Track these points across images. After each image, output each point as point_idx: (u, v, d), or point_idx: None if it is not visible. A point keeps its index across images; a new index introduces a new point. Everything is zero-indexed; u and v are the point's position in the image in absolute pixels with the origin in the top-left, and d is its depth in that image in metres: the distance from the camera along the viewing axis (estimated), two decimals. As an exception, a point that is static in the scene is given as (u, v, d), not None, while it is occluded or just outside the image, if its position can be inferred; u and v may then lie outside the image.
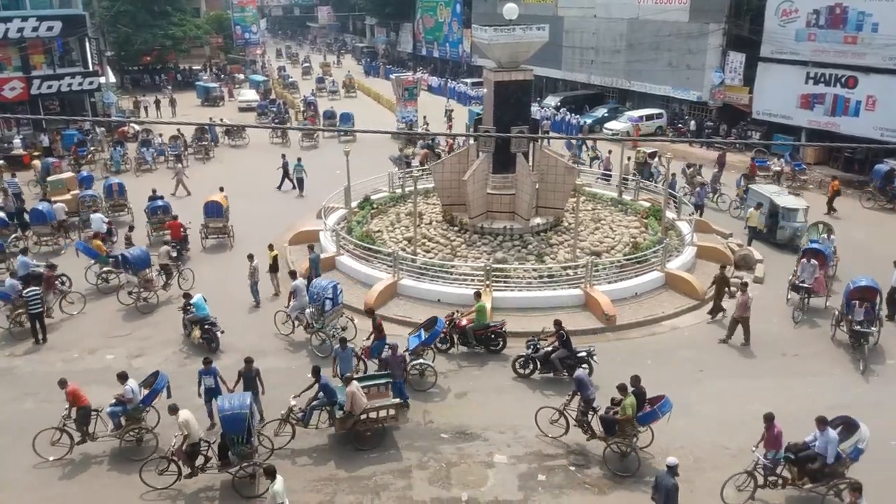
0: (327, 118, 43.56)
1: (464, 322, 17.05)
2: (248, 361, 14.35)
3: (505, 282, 19.75)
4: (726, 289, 18.62)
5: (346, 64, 78.18)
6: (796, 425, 12.27)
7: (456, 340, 17.13)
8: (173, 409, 12.68)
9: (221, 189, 26.26)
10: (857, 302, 16.73)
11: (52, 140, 37.29)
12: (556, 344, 15.78)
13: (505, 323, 17.27)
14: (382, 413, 13.64)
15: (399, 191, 27.02)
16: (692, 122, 40.23)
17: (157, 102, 50.35)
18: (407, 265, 20.34)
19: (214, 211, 24.50)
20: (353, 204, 25.14)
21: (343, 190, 24.81)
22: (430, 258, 21.11)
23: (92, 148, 36.70)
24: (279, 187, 30.73)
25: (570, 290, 19.32)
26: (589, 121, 42.77)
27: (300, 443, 13.68)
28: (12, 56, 40.16)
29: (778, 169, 30.49)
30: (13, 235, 23.88)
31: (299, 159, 31.47)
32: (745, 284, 18.26)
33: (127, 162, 34.61)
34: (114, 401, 13.55)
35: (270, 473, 11.13)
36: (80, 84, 42.43)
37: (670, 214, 24.00)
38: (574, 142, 35.05)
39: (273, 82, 61.61)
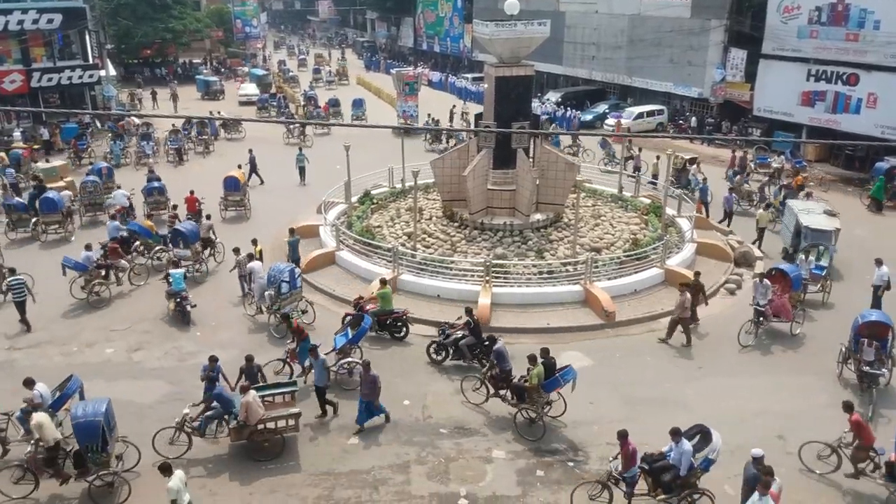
0: (333, 106, 44.21)
1: (368, 307, 17.21)
2: (249, 360, 14.33)
3: (504, 278, 19.74)
4: (701, 296, 17.99)
5: (347, 58, 77.92)
6: (795, 420, 12.30)
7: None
8: (26, 413, 12.37)
9: (240, 166, 28.37)
10: (866, 340, 14.96)
11: (52, 133, 37.24)
12: (466, 332, 16.11)
13: (407, 311, 17.67)
14: (281, 423, 13.15)
15: (399, 186, 27.00)
16: (693, 119, 40.18)
17: (154, 94, 50.24)
18: (407, 261, 20.33)
19: (233, 185, 26.56)
20: (354, 199, 25.12)
21: (343, 185, 24.81)
22: (430, 254, 21.11)
23: (91, 141, 36.70)
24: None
25: (570, 287, 19.32)
26: (589, 117, 42.74)
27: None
28: (12, 49, 40.06)
29: (778, 166, 30.47)
30: (34, 220, 24.15)
31: (300, 149, 32.07)
32: (685, 285, 17.58)
33: (127, 155, 34.58)
34: (24, 405, 12.90)
35: (165, 470, 11.07)
36: (80, 77, 42.38)
37: (670, 211, 23.98)
38: (609, 140, 34.07)
39: (273, 76, 61.50)
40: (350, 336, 15.85)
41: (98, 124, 42.03)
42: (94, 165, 29.04)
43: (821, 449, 12.73)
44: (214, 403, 13.28)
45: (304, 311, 18.24)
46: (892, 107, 30.77)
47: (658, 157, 29.70)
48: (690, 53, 39.91)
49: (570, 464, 13.05)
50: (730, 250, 22.45)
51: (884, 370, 14.91)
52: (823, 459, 12.71)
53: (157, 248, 21.76)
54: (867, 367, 14.83)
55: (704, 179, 27.54)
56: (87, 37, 43.38)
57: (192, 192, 24.79)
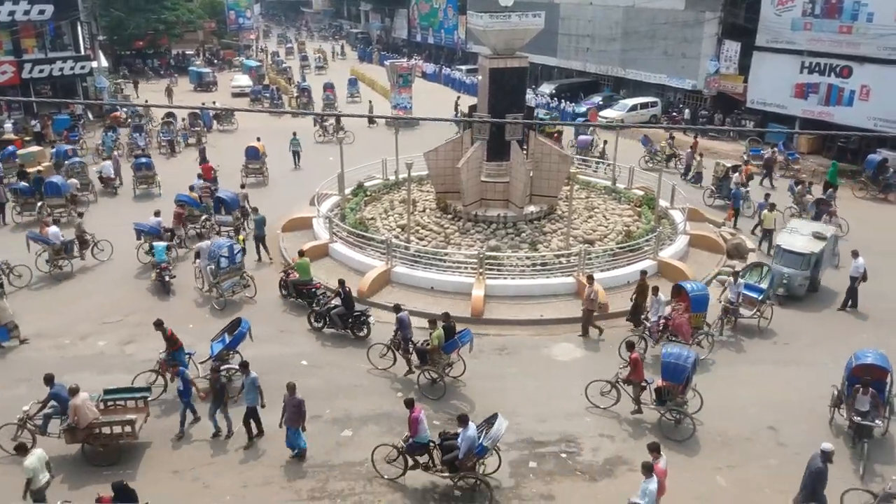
0: (327, 89, 46.02)
1: (290, 277, 18.69)
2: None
3: (498, 270, 19.77)
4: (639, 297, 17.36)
5: (346, 53, 77.54)
6: (785, 412, 12.39)
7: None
8: None
9: (259, 139, 30.43)
10: (861, 387, 13.04)
11: (44, 125, 37.02)
12: (338, 301, 17.15)
13: (319, 284, 18.61)
14: (117, 429, 12.63)
15: (393, 178, 26.96)
16: (686, 111, 40.22)
17: (136, 84, 50.60)
18: (400, 253, 20.33)
19: (253, 154, 29.62)
20: (347, 191, 25.08)
21: (336, 176, 24.78)
22: (424, 246, 21.11)
23: (83, 132, 36.53)
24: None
25: (563, 279, 19.36)
26: (583, 108, 42.69)
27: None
28: (3, 40, 39.71)
29: (769, 156, 30.50)
30: (39, 203, 24.91)
31: (294, 133, 32.48)
32: (591, 278, 17.36)
33: (119, 147, 34.38)
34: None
35: (21, 449, 11.18)
36: (72, 68, 42.10)
37: (663, 202, 24.01)
38: (650, 138, 33.28)
39: (266, 67, 61.27)
40: (227, 341, 15.28)
41: (90, 116, 41.78)
42: (59, 147, 30.85)
43: (602, 386, 14.37)
44: (52, 402, 12.89)
45: (246, 286, 19.30)
46: (885, 99, 30.86)
47: (695, 157, 29.45)
48: (684, 45, 39.91)
49: (563, 455, 13.10)
50: (722, 242, 22.51)
51: (878, 421, 12.96)
52: (606, 395, 14.37)
53: (203, 216, 23.28)
54: (858, 418, 12.96)
55: (743, 185, 25.92)
56: (79, 28, 43.05)
57: (207, 161, 28.03)
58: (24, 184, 25.56)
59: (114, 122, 38.88)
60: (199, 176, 26.10)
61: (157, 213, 22.00)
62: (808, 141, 34.46)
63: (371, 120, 38.25)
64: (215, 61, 66.11)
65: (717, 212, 25.67)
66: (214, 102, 41.83)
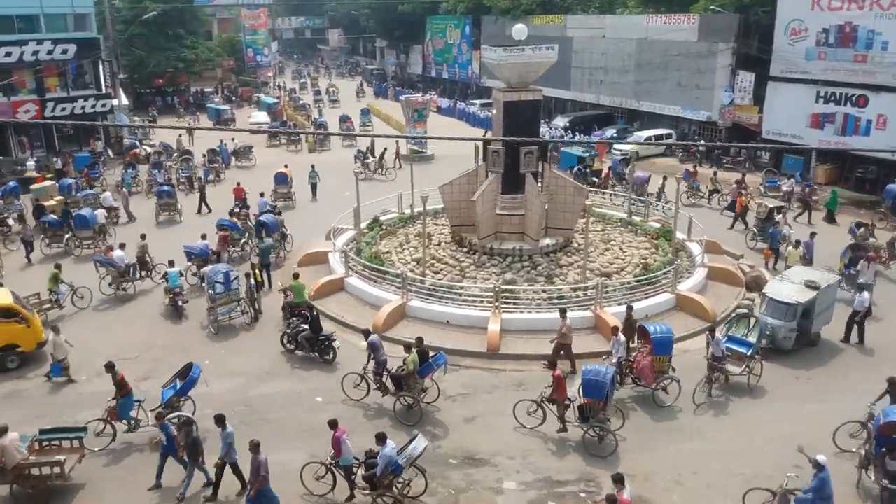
0: (342, 122, 48.13)
1: (287, 299, 19.13)
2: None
3: (514, 303, 19.61)
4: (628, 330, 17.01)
5: (354, 87, 78.48)
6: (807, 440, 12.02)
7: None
8: None
9: (286, 165, 33.12)
10: (891, 451, 11.86)
11: (65, 162, 37.63)
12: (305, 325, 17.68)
13: (313, 307, 18.92)
14: (46, 470, 12.35)
15: (408, 211, 27.01)
16: (701, 142, 40.13)
17: (154, 120, 51.42)
18: (416, 286, 20.25)
19: (282, 179, 32.00)
20: (363, 225, 25.13)
21: (353, 211, 24.86)
22: (439, 279, 21.03)
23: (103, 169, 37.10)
24: (198, 211, 30.65)
25: (580, 312, 19.15)
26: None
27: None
28: (27, 79, 40.62)
29: (788, 189, 30.29)
30: (67, 236, 25.89)
31: (313, 166, 33.83)
32: (563, 312, 17.25)
33: (138, 184, 34.83)
34: None
35: None
36: (94, 106, 42.80)
37: (680, 235, 23.83)
38: (693, 173, 31.87)
39: (283, 104, 62.06)
40: (178, 387, 14.81)
41: (110, 153, 42.45)
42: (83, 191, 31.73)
43: (529, 405, 14.67)
44: None
45: (244, 312, 19.81)
46: (903, 128, 30.65)
47: (740, 191, 28.63)
48: (698, 77, 40.00)
49: (583, 494, 12.81)
50: (741, 275, 22.24)
51: None
52: (532, 414, 14.68)
53: (242, 240, 24.93)
54: (886, 481, 11.84)
55: (780, 224, 24.68)
56: (101, 67, 43.96)
57: (238, 184, 29.31)
58: (53, 216, 26.51)
59: (133, 159, 39.48)
60: (236, 204, 27.90)
61: (203, 237, 22.94)
62: (825, 171, 34.21)
63: (397, 156, 38.54)
64: (233, 98, 67.09)
65: (758, 255, 24.62)
66: (233, 139, 42.26)
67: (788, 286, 17.99)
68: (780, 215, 25.57)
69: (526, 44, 22.01)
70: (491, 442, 14.39)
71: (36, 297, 20.05)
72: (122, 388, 14.31)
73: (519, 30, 22.50)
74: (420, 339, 15.84)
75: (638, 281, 20.51)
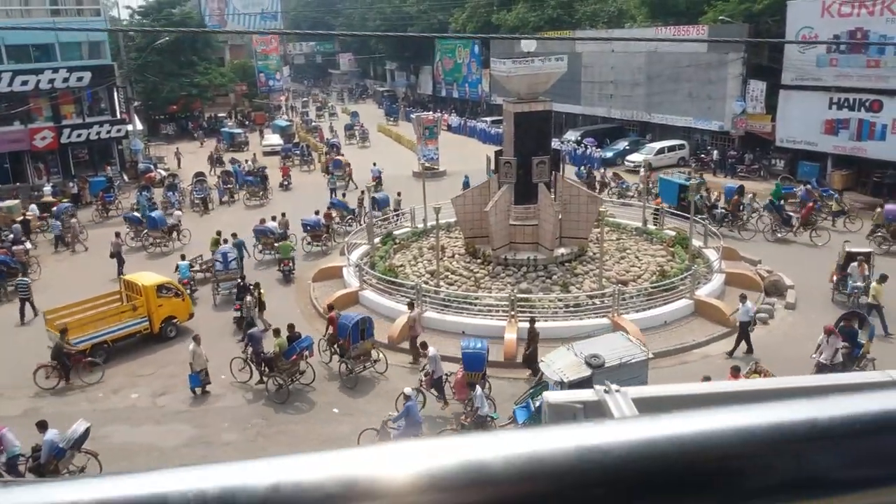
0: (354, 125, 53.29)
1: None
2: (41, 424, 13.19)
3: (530, 312, 19.44)
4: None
5: (367, 109, 79.09)
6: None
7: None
8: None
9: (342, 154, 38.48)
10: None
11: (80, 187, 38.03)
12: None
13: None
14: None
15: (421, 226, 27.00)
16: (715, 152, 39.95)
17: (178, 153, 51.65)
18: (430, 298, 20.14)
19: (337, 164, 38.31)
20: (376, 240, 25.12)
21: (366, 227, 24.89)
22: (454, 290, 20.91)
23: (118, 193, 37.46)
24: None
25: (597, 320, 18.96)
26: (609, 154, 42.67)
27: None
28: (43, 106, 41.23)
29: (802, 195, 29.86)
30: (144, 231, 29.01)
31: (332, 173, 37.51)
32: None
33: (153, 206, 35.04)
34: None
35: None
36: (109, 132, 43.37)
37: (697, 242, 23.61)
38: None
39: (296, 127, 62.60)
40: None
41: (125, 177, 42.88)
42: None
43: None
44: None
45: (239, 288, 20.73)
46: (919, 131, 30.36)
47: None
48: (709, 87, 39.91)
49: None
50: (759, 279, 21.97)
51: None
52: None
53: (348, 216, 29.30)
54: None
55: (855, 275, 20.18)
56: (115, 93, 44.57)
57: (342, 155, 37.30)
58: (134, 214, 31.03)
59: (148, 182, 39.79)
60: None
61: (316, 213, 27.20)
62: (841, 177, 33.88)
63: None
64: (247, 123, 67.75)
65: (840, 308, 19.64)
66: (247, 161, 42.58)
67: (570, 359, 13.99)
68: (854, 263, 20.19)
69: (535, 55, 22.07)
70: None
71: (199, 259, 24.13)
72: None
73: (528, 43, 22.56)
74: (291, 326, 17.52)
75: (655, 287, 20.31)
